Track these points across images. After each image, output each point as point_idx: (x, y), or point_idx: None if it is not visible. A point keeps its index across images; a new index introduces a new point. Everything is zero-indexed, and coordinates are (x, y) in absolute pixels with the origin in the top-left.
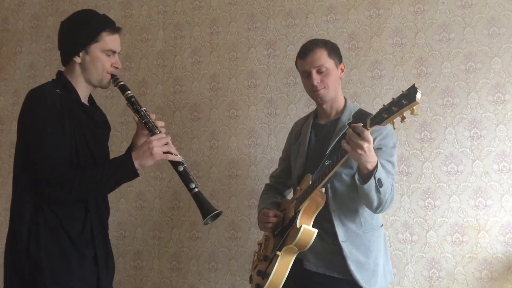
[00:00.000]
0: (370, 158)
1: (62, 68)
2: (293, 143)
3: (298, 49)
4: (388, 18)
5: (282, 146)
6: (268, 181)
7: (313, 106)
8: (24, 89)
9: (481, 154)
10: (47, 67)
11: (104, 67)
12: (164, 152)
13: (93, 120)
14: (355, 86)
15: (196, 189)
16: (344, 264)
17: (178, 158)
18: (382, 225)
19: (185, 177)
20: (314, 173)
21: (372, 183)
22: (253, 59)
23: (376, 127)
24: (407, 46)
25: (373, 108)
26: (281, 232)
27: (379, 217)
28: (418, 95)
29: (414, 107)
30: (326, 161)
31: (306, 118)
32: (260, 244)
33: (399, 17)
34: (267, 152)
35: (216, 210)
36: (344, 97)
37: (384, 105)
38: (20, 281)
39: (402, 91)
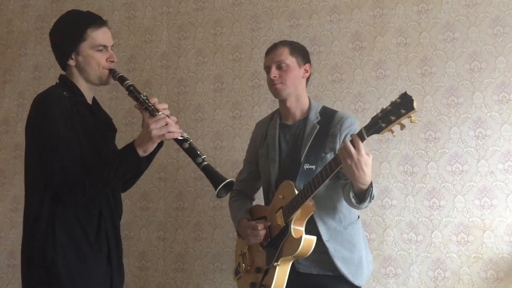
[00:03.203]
0: (367, 178)
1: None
2: (260, 146)
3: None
4: (392, 18)
5: None
6: None
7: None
8: (29, 91)
9: (486, 153)
10: (52, 69)
11: (99, 63)
12: (165, 133)
13: (99, 121)
14: (359, 86)
15: (205, 162)
16: (331, 262)
17: (180, 135)
18: (358, 217)
19: (191, 153)
20: (296, 178)
21: (367, 202)
22: (257, 60)
23: (344, 121)
24: (411, 46)
25: (377, 108)
26: (273, 243)
27: (355, 210)
28: (415, 103)
29: (412, 115)
30: (305, 165)
31: (270, 119)
32: (242, 255)
33: (403, 16)
34: None
35: (227, 178)
36: (308, 97)
37: (377, 114)
38: (38, 285)
39: (395, 100)
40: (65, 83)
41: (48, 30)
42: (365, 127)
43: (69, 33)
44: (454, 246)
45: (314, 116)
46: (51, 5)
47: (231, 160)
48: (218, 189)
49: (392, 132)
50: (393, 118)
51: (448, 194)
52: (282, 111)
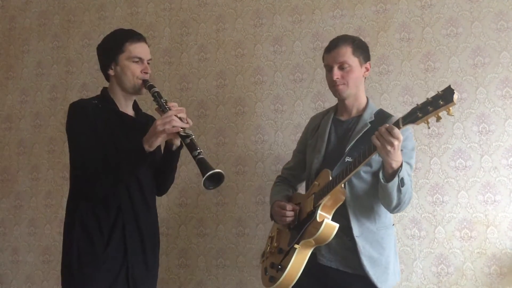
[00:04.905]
0: (397, 157)
1: (71, 68)
2: (310, 137)
3: (304, 45)
4: (395, 13)
5: (289, 142)
6: (276, 176)
7: (320, 102)
8: (32, 87)
9: (490, 149)
10: (55, 65)
11: (134, 74)
12: (167, 128)
13: (129, 125)
14: None
15: (200, 156)
16: (357, 260)
17: (179, 129)
18: (393, 224)
19: (190, 147)
20: (334, 169)
21: (395, 181)
22: (259, 56)
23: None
24: (414, 41)
25: (380, 104)
26: (298, 226)
27: (391, 216)
28: (455, 96)
29: (450, 108)
30: (346, 158)
31: (325, 113)
32: (271, 237)
33: (406, 11)
34: (274, 148)
35: (214, 169)
36: (366, 96)
37: (417, 105)
38: (62, 269)
39: (438, 92)
40: (101, 93)
41: (51, 27)
42: (402, 117)
43: (110, 46)
44: (458, 241)
45: (368, 116)
46: (53, 1)
47: (234, 156)
48: (204, 178)
49: (427, 123)
50: (431, 108)
51: (451, 190)
52: (339, 107)
